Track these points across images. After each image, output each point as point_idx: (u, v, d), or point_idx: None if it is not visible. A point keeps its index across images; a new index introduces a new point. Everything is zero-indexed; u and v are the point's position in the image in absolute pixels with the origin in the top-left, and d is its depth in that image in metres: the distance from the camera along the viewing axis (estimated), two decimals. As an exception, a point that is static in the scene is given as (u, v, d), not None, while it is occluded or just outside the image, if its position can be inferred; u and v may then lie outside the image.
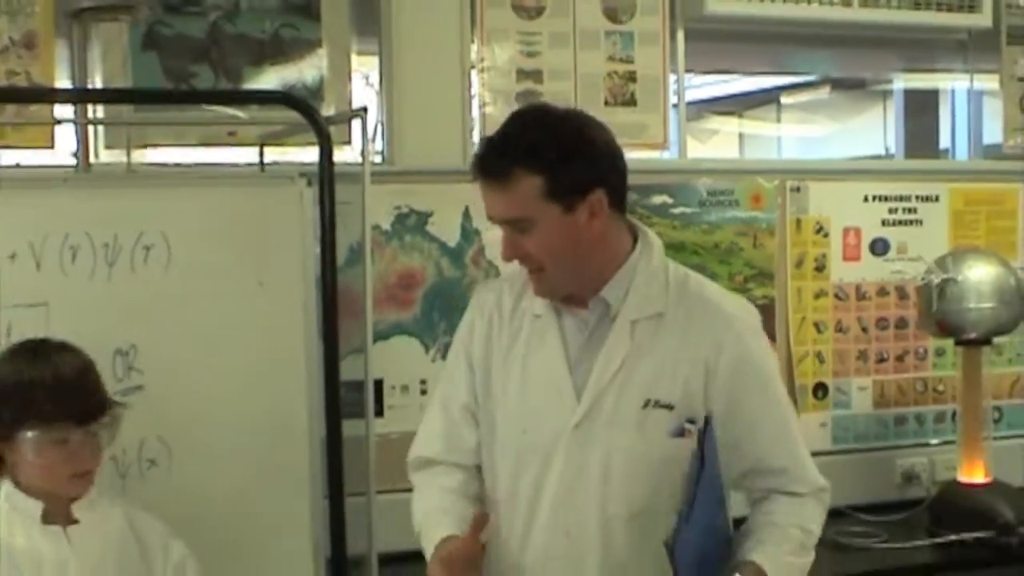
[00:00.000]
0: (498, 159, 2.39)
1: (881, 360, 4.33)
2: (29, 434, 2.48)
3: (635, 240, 2.55)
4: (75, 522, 2.56)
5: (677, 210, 4.12)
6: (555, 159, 2.37)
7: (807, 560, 2.52)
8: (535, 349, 2.55)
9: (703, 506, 2.37)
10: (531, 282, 2.55)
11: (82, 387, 2.54)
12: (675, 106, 4.22)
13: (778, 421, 2.53)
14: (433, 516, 2.57)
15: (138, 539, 2.66)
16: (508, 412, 2.58)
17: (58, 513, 2.57)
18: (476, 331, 2.65)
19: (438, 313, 3.85)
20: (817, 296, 4.28)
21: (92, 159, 3.43)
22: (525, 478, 2.53)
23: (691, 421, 2.44)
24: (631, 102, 4.11)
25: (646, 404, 2.45)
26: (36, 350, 2.60)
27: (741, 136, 11.10)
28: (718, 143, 10.19)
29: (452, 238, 3.86)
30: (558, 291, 2.54)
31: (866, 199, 4.34)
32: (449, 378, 2.70)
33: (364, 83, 3.97)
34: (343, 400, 3.29)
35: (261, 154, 3.54)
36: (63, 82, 3.50)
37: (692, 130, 4.33)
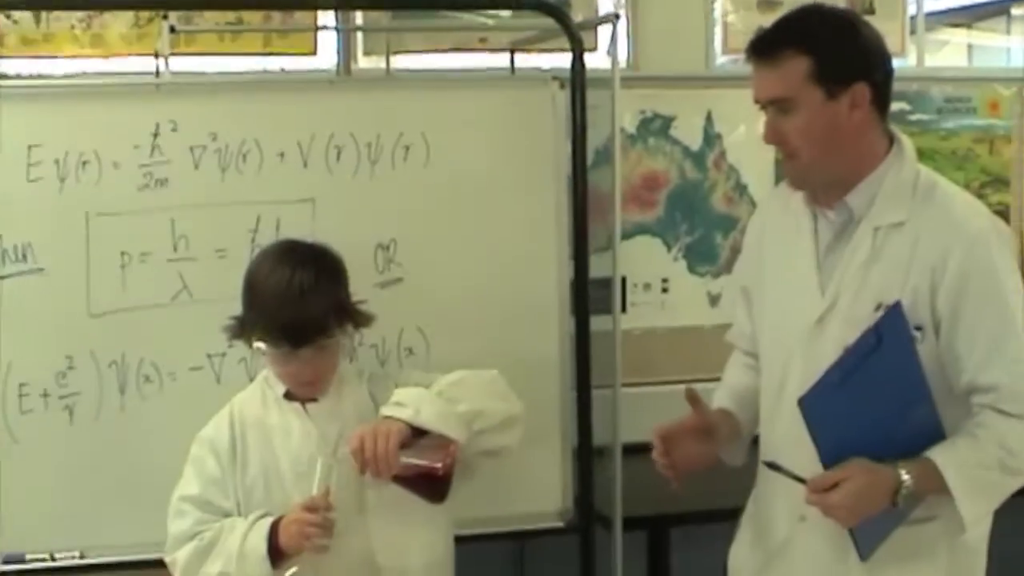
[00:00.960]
0: (771, 39, 2.42)
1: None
2: (255, 343, 2.57)
3: (890, 145, 2.53)
4: (314, 400, 2.64)
5: (914, 117, 4.09)
6: (825, 42, 2.39)
7: (1009, 481, 2.39)
8: (791, 246, 2.57)
9: (864, 385, 2.29)
10: (785, 170, 2.56)
11: (304, 311, 2.50)
12: (912, 16, 4.18)
13: (997, 335, 2.38)
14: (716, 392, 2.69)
15: (377, 406, 2.66)
16: (764, 303, 2.64)
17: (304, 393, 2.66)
18: (755, 226, 2.75)
19: (680, 214, 3.92)
20: (1054, 201, 4.12)
21: (352, 65, 3.55)
22: (774, 367, 2.57)
23: (918, 328, 2.40)
24: (871, 10, 4.09)
25: (877, 307, 2.42)
26: (283, 258, 2.59)
27: (970, 47, 10.76)
28: (948, 54, 9.91)
29: (695, 142, 3.90)
30: (809, 181, 2.53)
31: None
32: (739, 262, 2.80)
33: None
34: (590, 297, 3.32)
35: (512, 59, 3.61)
36: (325, -9, 3.56)
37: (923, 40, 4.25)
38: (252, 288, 2.58)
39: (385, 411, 2.49)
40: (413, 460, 2.42)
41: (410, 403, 2.48)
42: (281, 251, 2.63)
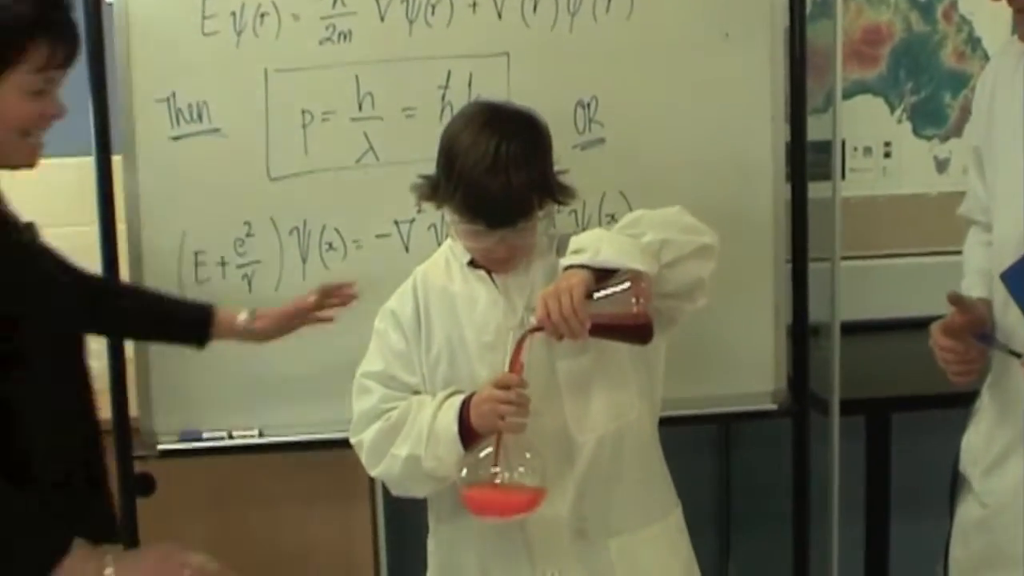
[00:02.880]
0: None
1: None
2: (448, 215, 2.46)
3: None
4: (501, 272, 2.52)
5: None
6: None
7: None
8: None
9: None
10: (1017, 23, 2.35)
11: (507, 189, 2.36)
12: None
13: None
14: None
15: None
16: (996, 170, 2.46)
17: None
18: (985, 84, 2.52)
19: (905, 72, 3.77)
20: None
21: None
22: (1007, 241, 2.40)
23: None
24: None
25: None
26: (488, 125, 2.42)
27: None
28: None
29: None
30: None
31: None
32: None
33: None
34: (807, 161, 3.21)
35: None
36: None
37: None
38: (450, 155, 2.42)
39: (564, 262, 2.36)
40: (605, 309, 2.30)
41: (588, 246, 2.34)
42: (486, 117, 2.45)
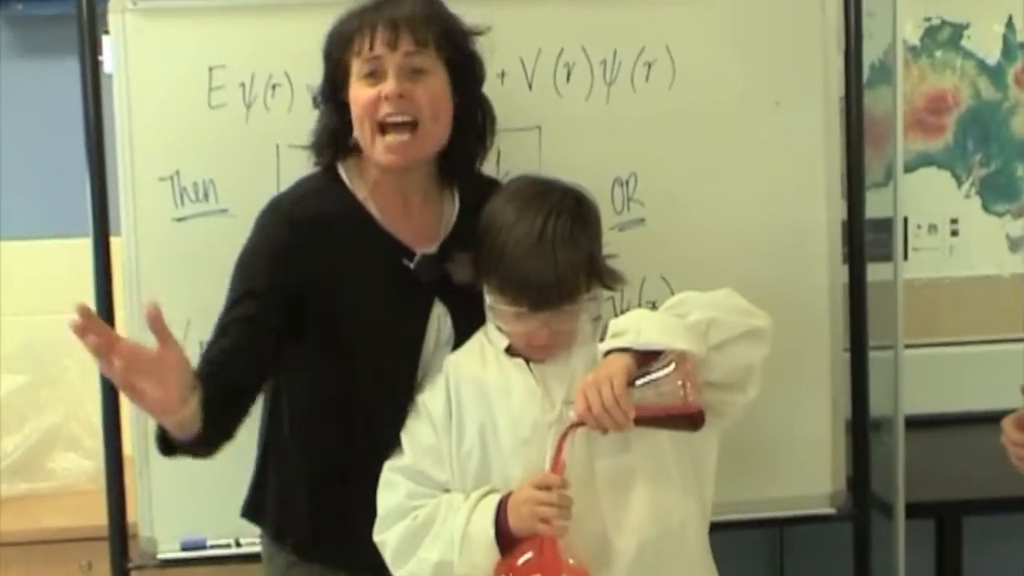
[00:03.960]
0: None
1: None
2: (487, 295, 2.42)
3: None
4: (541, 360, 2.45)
5: None
6: None
7: None
8: None
9: None
10: None
11: (554, 270, 2.32)
12: None
13: None
14: None
15: None
16: None
17: None
18: None
19: (973, 142, 3.70)
20: None
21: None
22: None
23: None
24: None
25: None
26: (535, 201, 2.39)
27: None
28: None
29: (991, 54, 3.68)
30: None
31: None
32: None
33: None
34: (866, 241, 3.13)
35: (772, -41, 3.36)
36: None
37: None
38: (492, 230, 2.40)
39: (603, 347, 2.32)
40: (650, 395, 2.24)
41: (629, 327, 2.31)
42: (532, 192, 2.43)
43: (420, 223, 2.51)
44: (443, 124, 2.43)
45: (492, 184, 2.58)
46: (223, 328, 2.38)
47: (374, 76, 2.36)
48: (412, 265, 2.45)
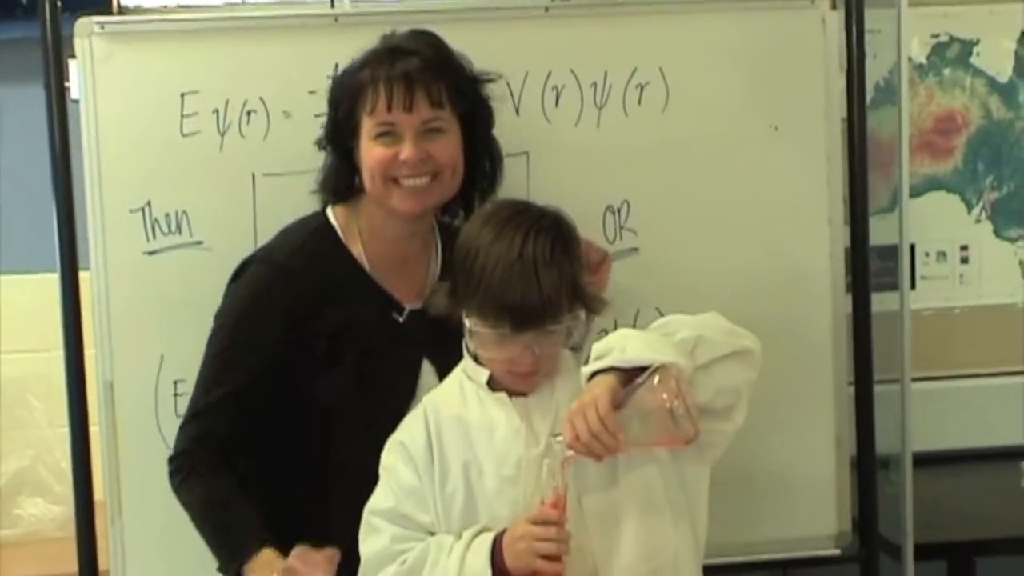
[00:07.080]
0: None
1: None
2: (467, 320, 2.38)
3: None
4: (523, 393, 2.43)
5: None
6: None
7: None
8: None
9: None
10: None
11: (535, 288, 2.31)
12: None
13: None
14: None
15: None
16: None
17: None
18: None
19: (984, 164, 3.64)
20: None
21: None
22: None
23: None
24: None
25: None
26: (510, 221, 2.36)
27: None
28: None
29: (1003, 71, 3.64)
30: None
31: None
32: None
33: None
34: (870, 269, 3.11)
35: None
36: None
37: None
38: (470, 253, 2.37)
39: (586, 370, 2.30)
40: (637, 411, 2.21)
41: (613, 346, 2.29)
42: (508, 213, 2.41)
43: (410, 275, 2.53)
44: (459, 175, 2.47)
45: None
46: (224, 399, 2.44)
47: (389, 136, 2.38)
48: (401, 319, 2.47)
